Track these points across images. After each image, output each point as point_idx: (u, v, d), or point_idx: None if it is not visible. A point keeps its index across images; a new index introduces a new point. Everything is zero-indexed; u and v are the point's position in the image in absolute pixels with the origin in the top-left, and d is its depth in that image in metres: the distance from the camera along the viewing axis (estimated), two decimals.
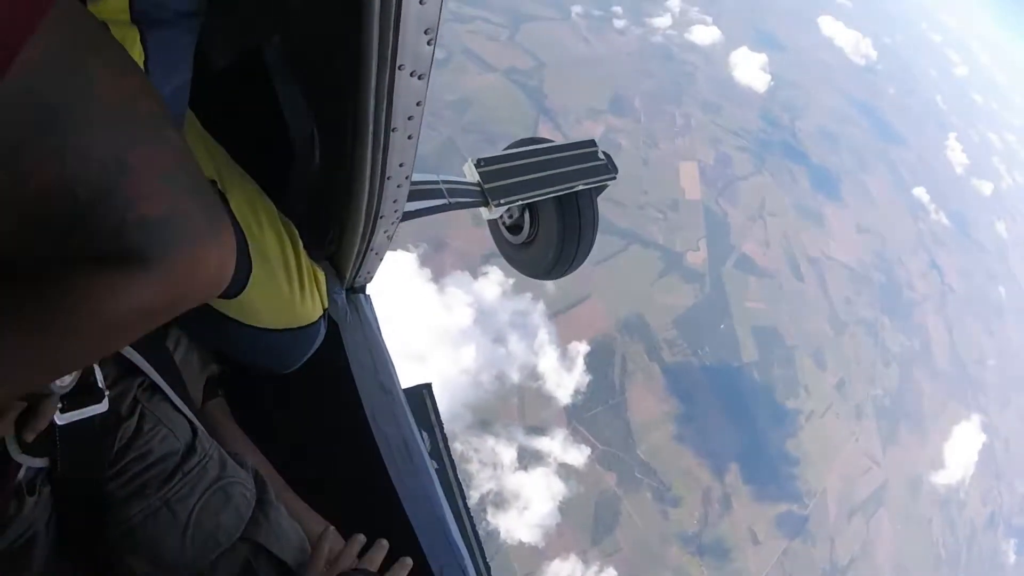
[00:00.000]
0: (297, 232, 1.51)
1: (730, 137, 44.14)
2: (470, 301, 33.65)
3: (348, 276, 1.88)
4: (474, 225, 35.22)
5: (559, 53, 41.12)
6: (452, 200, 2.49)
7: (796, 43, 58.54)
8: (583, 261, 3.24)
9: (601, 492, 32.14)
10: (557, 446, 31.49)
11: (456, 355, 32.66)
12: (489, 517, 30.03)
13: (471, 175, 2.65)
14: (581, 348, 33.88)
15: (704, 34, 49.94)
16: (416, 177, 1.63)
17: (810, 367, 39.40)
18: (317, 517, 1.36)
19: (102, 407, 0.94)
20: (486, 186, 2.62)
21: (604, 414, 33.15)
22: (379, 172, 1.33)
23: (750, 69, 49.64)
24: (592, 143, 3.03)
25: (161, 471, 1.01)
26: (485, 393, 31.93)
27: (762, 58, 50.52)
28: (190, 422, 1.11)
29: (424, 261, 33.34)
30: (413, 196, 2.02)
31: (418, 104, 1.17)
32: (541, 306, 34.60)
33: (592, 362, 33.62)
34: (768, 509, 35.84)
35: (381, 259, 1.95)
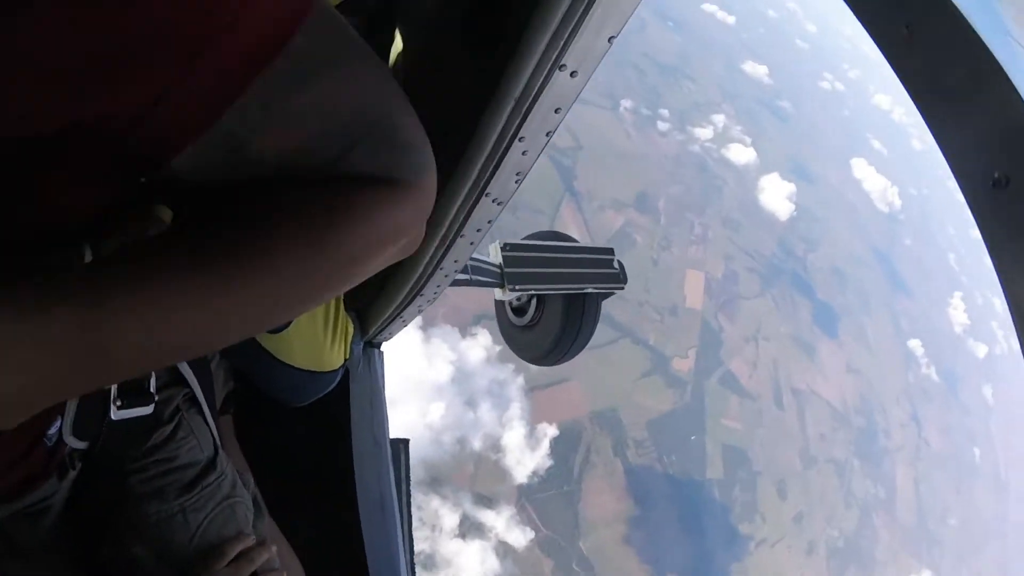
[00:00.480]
0: None
1: (743, 256, 45.31)
2: (452, 358, 33.97)
3: (371, 331, 1.97)
4: None
5: (599, 140, 42.84)
6: (473, 277, 2.57)
7: (826, 179, 60.43)
8: (574, 357, 3.35)
9: None
10: (502, 522, 31.35)
11: (425, 408, 32.82)
12: None
13: (495, 256, 2.73)
14: (550, 431, 33.95)
15: (740, 153, 51.69)
16: None
17: (772, 496, 39.37)
18: (288, 547, 1.41)
19: (148, 410, 1.02)
20: (506, 270, 2.71)
21: (556, 499, 33.06)
22: (451, 238, 1.35)
23: (777, 196, 51.08)
24: (611, 251, 3.18)
25: (181, 478, 1.08)
26: (443, 453, 31.89)
27: (791, 187, 52.06)
28: (214, 438, 1.18)
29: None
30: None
31: (516, 179, 1.19)
32: (520, 380, 35.05)
33: (556, 447, 33.81)
34: None
35: (406, 326, 2.02)
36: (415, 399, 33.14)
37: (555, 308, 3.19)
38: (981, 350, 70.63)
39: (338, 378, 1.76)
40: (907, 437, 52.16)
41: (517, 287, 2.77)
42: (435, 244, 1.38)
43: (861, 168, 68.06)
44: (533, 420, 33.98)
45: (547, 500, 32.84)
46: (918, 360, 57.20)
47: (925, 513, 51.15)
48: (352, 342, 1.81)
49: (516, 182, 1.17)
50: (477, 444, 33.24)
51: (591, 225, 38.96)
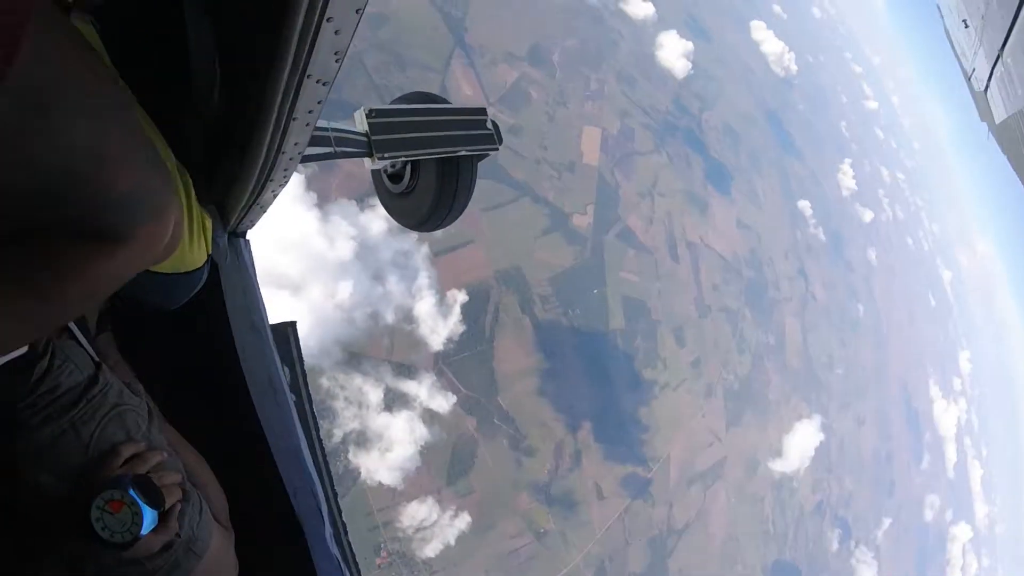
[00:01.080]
0: (190, 178, 1.53)
1: (638, 112, 44.99)
2: (353, 234, 32.52)
3: (232, 222, 1.98)
4: None
5: None
6: (338, 149, 2.51)
7: (724, 39, 60.22)
8: (453, 221, 3.32)
9: (460, 435, 32.81)
10: (424, 390, 31.78)
11: (333, 289, 31.61)
12: (351, 456, 29.80)
13: (361, 124, 2.65)
14: (459, 297, 33.90)
15: (639, 8, 49.98)
16: None
17: (671, 343, 41.90)
18: (189, 447, 1.46)
19: (23, 349, 1.05)
20: (373, 138, 2.63)
21: (471, 360, 33.62)
22: (284, 121, 1.36)
23: (674, 53, 50.37)
24: (483, 111, 3.08)
25: (67, 400, 1.12)
26: (357, 331, 31.26)
27: (688, 46, 51.39)
28: (91, 355, 1.23)
29: (311, 183, 31.75)
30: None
31: (336, 58, 1.21)
32: (425, 249, 34.10)
33: (467, 310, 33.82)
34: (615, 468, 38.20)
35: (265, 212, 2.05)
36: (321, 281, 31.60)
37: (430, 173, 3.12)
38: (867, 215, 76.56)
39: (205, 274, 1.73)
40: (795, 290, 56.54)
41: (386, 155, 2.70)
42: (270, 130, 1.40)
43: (760, 31, 68.50)
44: (442, 287, 33.53)
45: (463, 362, 33.32)
46: (806, 220, 61.12)
47: (813, 362, 56.75)
48: (214, 235, 1.78)
49: (336, 61, 1.22)
50: (390, 317, 32.75)
51: (484, 80, 36.97)
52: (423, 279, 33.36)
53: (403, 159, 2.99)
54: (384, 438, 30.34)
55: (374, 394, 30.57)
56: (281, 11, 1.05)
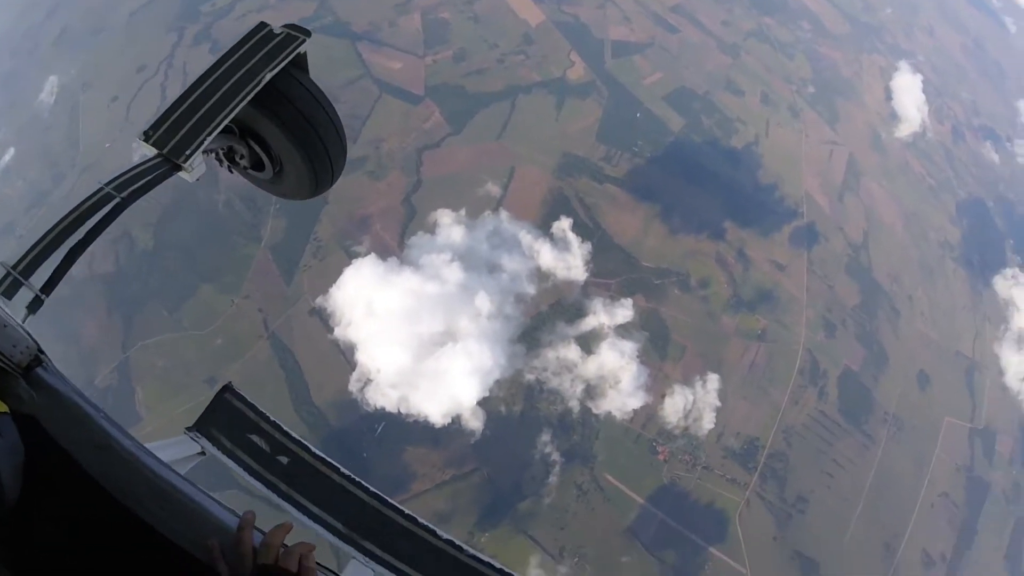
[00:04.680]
0: None
1: None
2: (446, 258, 32.39)
3: (10, 362, 1.76)
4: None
5: None
6: (127, 193, 2.21)
7: None
8: (343, 144, 2.93)
9: (652, 324, 32.68)
10: (603, 316, 32.13)
11: (473, 310, 31.59)
12: (595, 411, 30.68)
13: (148, 150, 2.42)
14: (559, 225, 33.40)
15: None
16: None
17: (730, 98, 39.76)
18: None
19: None
20: (166, 151, 2.37)
21: (605, 256, 33.42)
22: None
23: None
24: (262, 26, 2.68)
25: None
26: (518, 320, 31.89)
27: None
28: None
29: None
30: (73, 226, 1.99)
31: None
32: (493, 213, 33.31)
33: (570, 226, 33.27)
34: (776, 237, 37.31)
35: (24, 326, 1.83)
36: (460, 311, 31.70)
37: (270, 128, 2.75)
38: None
39: (11, 435, 1.57)
40: None
41: (188, 153, 2.39)
42: None
43: None
44: (537, 226, 33.12)
45: (602, 264, 32.84)
46: None
47: (855, 18, 51.85)
48: (12, 388, 1.67)
49: None
50: (532, 289, 32.82)
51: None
52: (522, 235, 33.05)
53: (213, 138, 2.50)
54: (606, 376, 31.22)
55: (570, 351, 31.31)
56: None
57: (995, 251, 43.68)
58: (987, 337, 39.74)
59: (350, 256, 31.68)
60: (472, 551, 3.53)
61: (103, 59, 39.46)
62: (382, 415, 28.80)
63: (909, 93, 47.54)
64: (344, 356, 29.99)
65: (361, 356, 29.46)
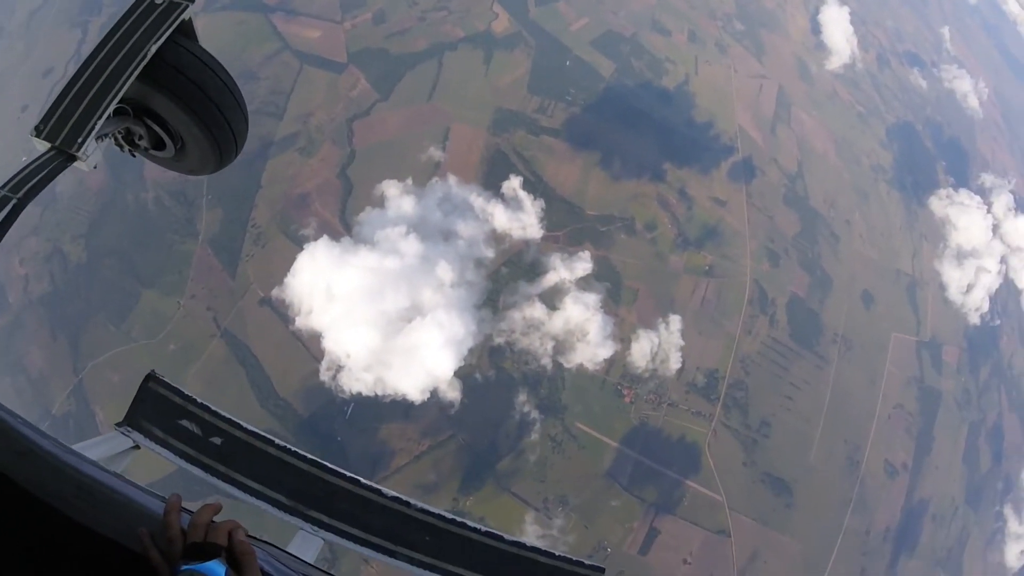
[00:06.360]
0: None
1: None
2: (400, 230, 31.53)
3: None
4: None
5: None
6: (23, 193, 2.14)
7: None
8: (243, 109, 2.82)
9: (609, 276, 32.89)
10: (563, 272, 32.12)
11: (436, 280, 31.00)
12: (566, 364, 30.95)
13: (41, 146, 2.34)
14: (508, 184, 32.84)
15: None
16: None
17: (656, 38, 39.76)
18: None
19: None
20: (58, 143, 2.29)
21: (559, 211, 33.35)
22: None
23: None
24: (141, 2, 2.51)
25: None
26: (479, 285, 31.46)
27: None
28: None
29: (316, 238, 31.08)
30: None
31: None
32: (441, 177, 32.56)
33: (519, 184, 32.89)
34: (715, 173, 37.89)
35: None
36: (423, 283, 31.11)
37: (164, 104, 2.59)
38: None
39: None
40: None
41: (80, 141, 2.32)
42: None
43: None
44: (483, 186, 32.60)
45: (555, 219, 32.39)
46: None
47: None
48: None
49: None
50: (491, 252, 32.52)
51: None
52: (473, 198, 32.53)
53: (104, 122, 2.40)
54: (573, 330, 31.46)
55: (535, 310, 31.39)
56: None
57: (928, 173, 45.55)
58: (926, 255, 41.71)
59: (294, 241, 30.65)
60: (421, 504, 3.68)
61: (6, 66, 36.71)
62: (359, 400, 28.36)
63: (838, 25, 48.32)
64: (302, 342, 29.28)
65: (328, 343, 28.79)
